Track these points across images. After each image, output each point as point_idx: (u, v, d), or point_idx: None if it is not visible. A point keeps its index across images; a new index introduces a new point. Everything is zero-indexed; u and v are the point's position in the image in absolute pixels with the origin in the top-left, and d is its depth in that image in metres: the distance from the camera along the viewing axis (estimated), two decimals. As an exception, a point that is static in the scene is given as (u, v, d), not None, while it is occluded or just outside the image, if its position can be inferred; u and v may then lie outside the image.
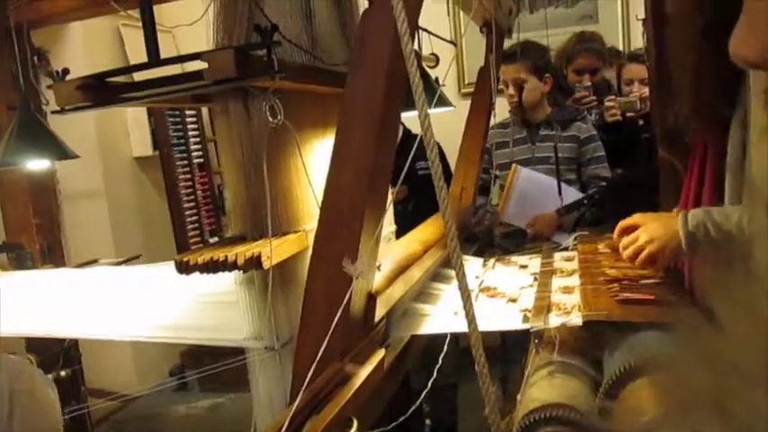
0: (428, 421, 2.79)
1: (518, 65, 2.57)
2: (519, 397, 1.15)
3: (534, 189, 2.58)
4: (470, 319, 0.73)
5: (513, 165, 2.61)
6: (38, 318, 1.79)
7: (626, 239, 1.44)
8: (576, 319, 1.24)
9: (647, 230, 1.40)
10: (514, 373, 1.55)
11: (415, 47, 1.61)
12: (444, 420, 2.81)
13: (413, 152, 1.08)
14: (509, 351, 2.41)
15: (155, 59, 1.24)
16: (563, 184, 2.56)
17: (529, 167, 2.62)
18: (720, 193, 1.31)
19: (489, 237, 2.59)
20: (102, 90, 1.29)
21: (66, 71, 1.36)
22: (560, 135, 2.60)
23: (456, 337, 1.36)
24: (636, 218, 1.46)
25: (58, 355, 2.42)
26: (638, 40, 3.28)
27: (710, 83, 1.23)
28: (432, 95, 1.57)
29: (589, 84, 2.85)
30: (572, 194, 2.55)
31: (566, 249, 1.93)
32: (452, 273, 1.73)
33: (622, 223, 1.49)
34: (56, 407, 0.94)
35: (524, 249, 2.12)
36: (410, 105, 1.27)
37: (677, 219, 1.31)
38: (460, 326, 1.35)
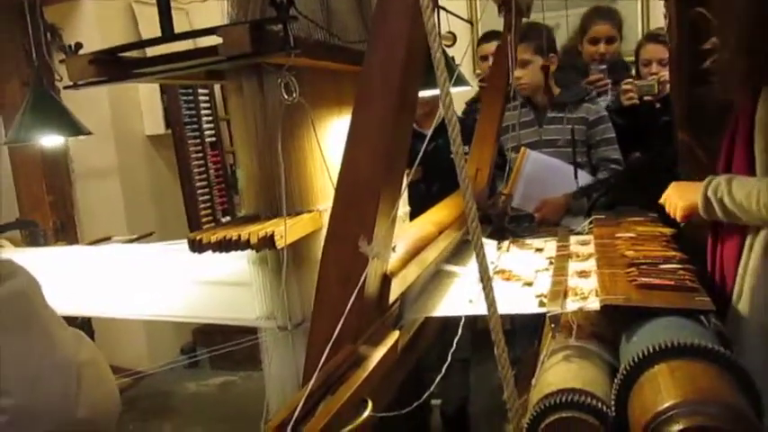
0: (437, 401, 2.78)
1: (523, 46, 2.52)
2: (534, 381, 1.14)
3: (543, 173, 2.54)
4: (490, 302, 0.71)
5: (522, 148, 2.57)
6: (50, 295, 1.79)
7: (663, 197, 1.55)
8: (594, 304, 1.22)
9: (674, 188, 1.51)
10: (525, 356, 1.54)
11: (433, 24, 1.57)
12: (454, 398, 2.79)
13: (430, 132, 1.06)
14: (518, 334, 2.39)
15: (169, 34, 1.22)
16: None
17: (537, 150, 2.58)
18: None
19: (501, 221, 2.56)
20: (115, 65, 1.27)
21: (78, 45, 1.34)
22: (569, 117, 2.56)
23: (473, 318, 1.34)
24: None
25: (71, 331, 2.43)
26: (658, 20, 3.23)
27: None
28: (450, 74, 1.54)
29: (604, 66, 2.80)
30: (583, 177, 2.52)
31: (581, 233, 1.91)
32: (467, 256, 1.72)
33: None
34: (111, 373, 0.95)
35: (533, 234, 2.10)
36: (426, 84, 1.25)
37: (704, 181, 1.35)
38: (475, 309, 1.33)
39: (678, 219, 1.49)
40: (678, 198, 1.48)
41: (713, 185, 1.32)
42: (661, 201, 1.56)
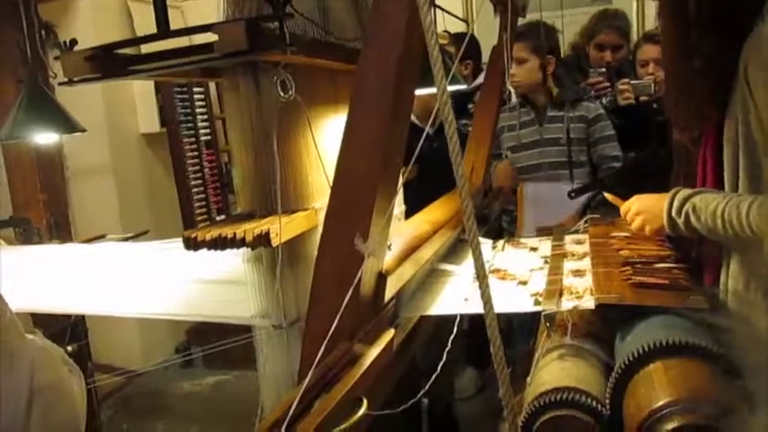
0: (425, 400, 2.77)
1: (520, 44, 2.53)
2: (529, 380, 1.14)
3: (544, 198, 2.59)
4: (486, 299, 0.71)
5: (519, 186, 2.64)
6: (44, 293, 1.78)
7: (624, 206, 1.54)
8: (588, 303, 1.23)
9: (638, 202, 1.48)
10: (521, 355, 1.55)
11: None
12: (440, 399, 2.78)
13: (425, 132, 1.06)
14: (516, 334, 2.40)
15: (164, 30, 1.22)
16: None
17: (538, 149, 2.61)
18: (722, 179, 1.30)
19: (499, 221, 2.58)
20: (110, 62, 1.26)
21: (74, 42, 1.34)
22: (568, 115, 2.57)
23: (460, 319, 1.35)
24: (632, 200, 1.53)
25: (64, 330, 2.41)
26: (654, 20, 3.24)
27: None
28: (446, 72, 1.54)
29: (603, 69, 2.81)
30: (579, 176, 2.55)
31: (576, 232, 1.91)
32: (462, 255, 1.72)
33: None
34: (79, 398, 0.91)
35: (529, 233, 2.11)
36: (423, 83, 1.25)
37: (666, 199, 1.32)
38: (471, 308, 1.33)
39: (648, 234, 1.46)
40: (645, 217, 1.43)
41: (676, 205, 1.29)
42: (623, 214, 1.54)
